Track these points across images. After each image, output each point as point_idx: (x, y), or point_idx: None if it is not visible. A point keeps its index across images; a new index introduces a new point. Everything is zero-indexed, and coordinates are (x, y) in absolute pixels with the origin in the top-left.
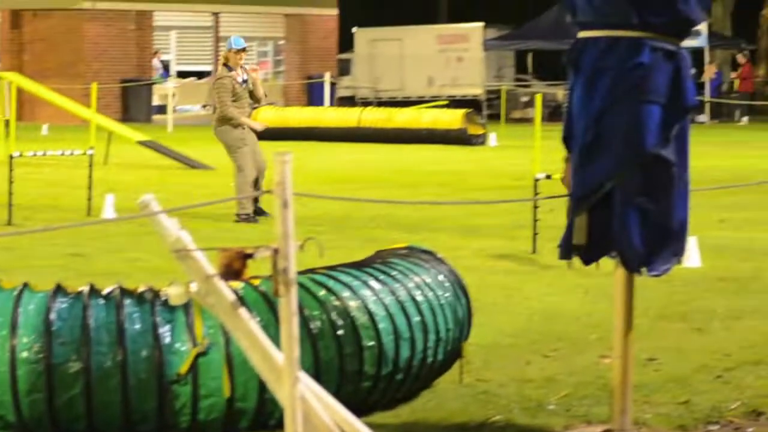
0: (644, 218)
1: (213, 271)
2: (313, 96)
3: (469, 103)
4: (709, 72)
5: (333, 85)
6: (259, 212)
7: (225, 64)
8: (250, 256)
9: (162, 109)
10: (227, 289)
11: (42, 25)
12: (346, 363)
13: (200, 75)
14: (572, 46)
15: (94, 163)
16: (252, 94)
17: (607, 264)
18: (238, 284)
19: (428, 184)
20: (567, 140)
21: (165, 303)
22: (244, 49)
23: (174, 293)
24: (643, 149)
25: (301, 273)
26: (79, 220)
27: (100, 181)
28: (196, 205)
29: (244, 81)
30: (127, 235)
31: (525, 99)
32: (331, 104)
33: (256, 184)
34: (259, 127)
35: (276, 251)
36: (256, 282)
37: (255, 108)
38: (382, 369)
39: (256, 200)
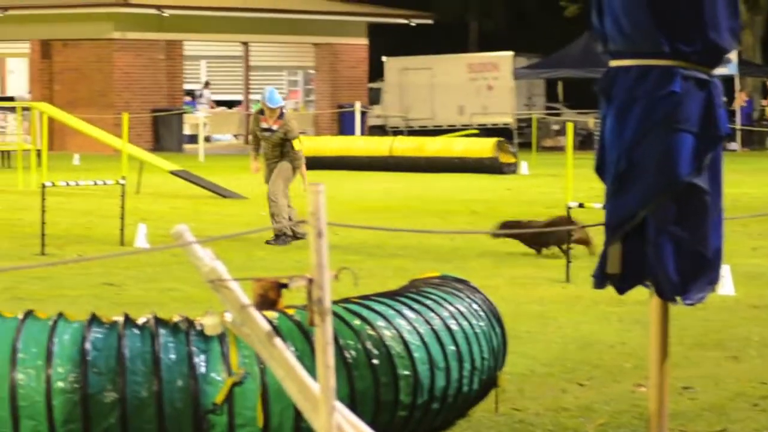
0: (678, 247)
1: (248, 301)
2: (344, 125)
3: (500, 132)
4: (740, 100)
5: (364, 114)
6: (294, 236)
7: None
8: (284, 285)
9: (193, 139)
10: (262, 319)
11: (72, 56)
12: (382, 392)
13: (231, 104)
14: (603, 75)
15: (126, 193)
16: (285, 141)
17: (641, 292)
18: (273, 314)
19: (460, 213)
20: (600, 170)
21: (200, 333)
22: (272, 109)
23: (209, 323)
24: (677, 178)
25: (335, 302)
26: (111, 249)
27: (133, 211)
28: (230, 235)
29: (270, 130)
30: (160, 264)
31: (556, 127)
32: (362, 133)
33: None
34: (251, 168)
35: (311, 281)
36: (291, 312)
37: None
38: (418, 398)
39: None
